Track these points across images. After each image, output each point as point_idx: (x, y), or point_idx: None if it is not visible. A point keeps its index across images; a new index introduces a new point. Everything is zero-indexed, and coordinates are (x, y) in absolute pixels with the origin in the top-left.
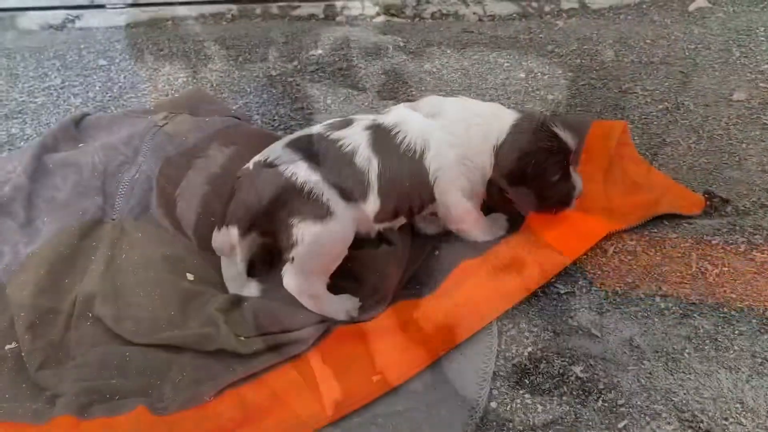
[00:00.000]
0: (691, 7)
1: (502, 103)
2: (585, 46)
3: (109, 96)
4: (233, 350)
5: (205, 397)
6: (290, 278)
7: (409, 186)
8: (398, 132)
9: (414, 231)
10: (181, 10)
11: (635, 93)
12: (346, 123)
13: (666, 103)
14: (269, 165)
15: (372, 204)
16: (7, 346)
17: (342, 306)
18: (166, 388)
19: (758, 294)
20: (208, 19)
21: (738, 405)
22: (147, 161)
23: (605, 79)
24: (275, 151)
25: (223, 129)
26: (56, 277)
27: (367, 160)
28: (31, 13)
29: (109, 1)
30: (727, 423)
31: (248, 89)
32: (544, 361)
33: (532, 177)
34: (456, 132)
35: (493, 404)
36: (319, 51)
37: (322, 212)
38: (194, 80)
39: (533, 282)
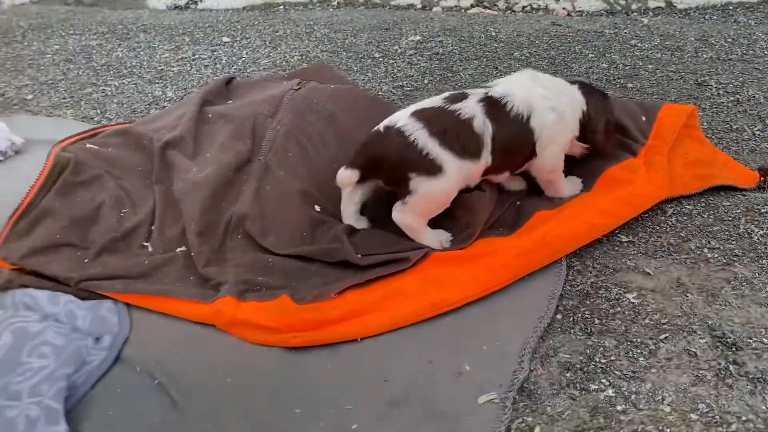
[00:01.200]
0: None
1: None
2: (666, 42)
3: (235, 68)
4: (353, 261)
5: (331, 293)
6: (399, 214)
7: (517, 145)
8: (507, 101)
9: (500, 188)
10: None
11: (710, 86)
12: (462, 97)
13: (737, 96)
14: (397, 130)
15: (484, 161)
16: (178, 249)
17: (437, 238)
18: (301, 286)
19: None
20: (317, 6)
21: (762, 330)
22: (285, 117)
23: (682, 73)
24: (402, 119)
25: (347, 95)
26: (217, 200)
27: (483, 125)
28: None
29: None
30: (750, 341)
31: (355, 68)
32: (603, 289)
33: (607, 129)
34: (553, 98)
35: (559, 316)
36: (418, 37)
37: (435, 171)
38: (307, 59)
39: (600, 230)
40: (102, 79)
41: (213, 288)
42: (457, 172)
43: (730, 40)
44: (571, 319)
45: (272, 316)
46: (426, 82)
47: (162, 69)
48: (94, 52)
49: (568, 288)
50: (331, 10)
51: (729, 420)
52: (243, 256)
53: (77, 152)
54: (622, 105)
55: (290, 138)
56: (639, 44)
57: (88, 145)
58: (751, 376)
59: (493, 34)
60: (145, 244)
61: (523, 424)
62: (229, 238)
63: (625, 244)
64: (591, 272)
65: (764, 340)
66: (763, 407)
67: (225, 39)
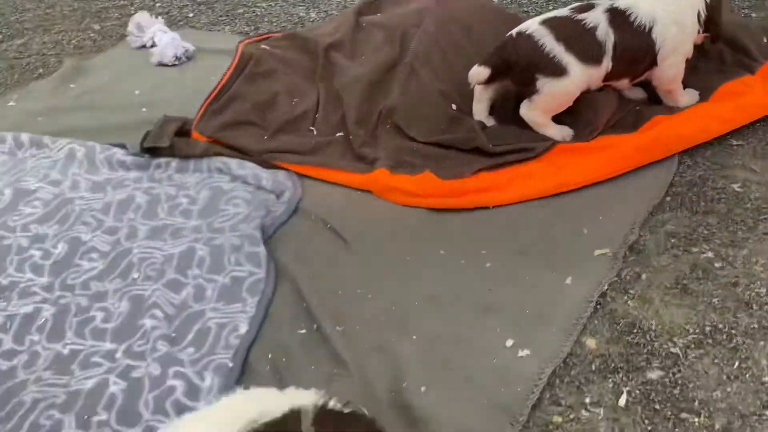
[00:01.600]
0: None
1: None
2: None
3: None
4: (486, 149)
5: (466, 174)
6: (526, 110)
7: (638, 53)
8: (631, 13)
9: (621, 96)
10: None
11: None
12: (588, 7)
13: None
14: (527, 35)
15: (605, 67)
16: (338, 134)
17: (560, 132)
18: (440, 166)
19: None
20: None
21: None
22: (429, 26)
23: None
24: (532, 26)
25: (483, 8)
26: (371, 94)
27: (605, 33)
28: None
29: None
30: None
31: None
32: (711, 180)
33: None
34: (674, 11)
35: (668, 198)
36: None
37: (560, 73)
38: None
39: (712, 132)
40: (251, 1)
41: (369, 163)
42: (579, 75)
43: None
44: (678, 200)
45: (418, 184)
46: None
47: None
48: None
49: (678, 178)
50: None
51: None
52: (392, 141)
53: (255, 50)
54: (746, 26)
55: (433, 45)
56: None
57: (262, 46)
58: None
59: None
60: (311, 128)
61: (632, 272)
62: (380, 126)
63: (735, 146)
64: (701, 167)
65: None
66: None
67: None
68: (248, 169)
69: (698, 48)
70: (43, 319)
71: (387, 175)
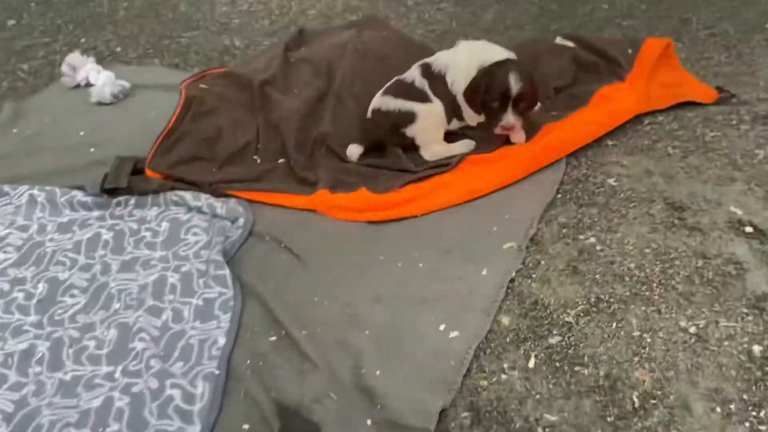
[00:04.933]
0: None
1: (587, 30)
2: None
3: (288, 18)
4: (410, 169)
5: (396, 187)
6: (425, 153)
7: (444, 94)
8: (433, 64)
9: None
10: None
11: (692, 21)
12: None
13: (713, 30)
14: (377, 109)
15: (438, 104)
16: (280, 160)
17: (464, 146)
18: (373, 183)
19: (734, 145)
20: None
21: (701, 198)
22: (351, 59)
23: (670, 11)
24: (376, 100)
25: (396, 41)
26: (306, 122)
27: (421, 83)
28: None
29: None
30: (692, 205)
31: (392, 15)
32: (592, 177)
33: (479, 98)
34: (462, 60)
35: (559, 195)
36: None
37: (412, 116)
38: (350, 8)
39: (592, 136)
40: (175, 32)
41: (310, 185)
42: (426, 110)
43: None
44: (567, 197)
45: (357, 201)
46: (454, 25)
47: (224, 22)
48: (160, 8)
49: (566, 177)
50: None
51: (670, 252)
52: (328, 164)
53: (195, 90)
54: (614, 42)
55: (355, 75)
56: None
57: (201, 86)
58: (688, 226)
59: None
60: (255, 157)
61: (533, 260)
62: (317, 151)
63: (610, 146)
64: (584, 166)
65: (701, 204)
66: (693, 243)
67: None
68: (202, 200)
69: (577, 61)
70: (40, 354)
71: (328, 195)
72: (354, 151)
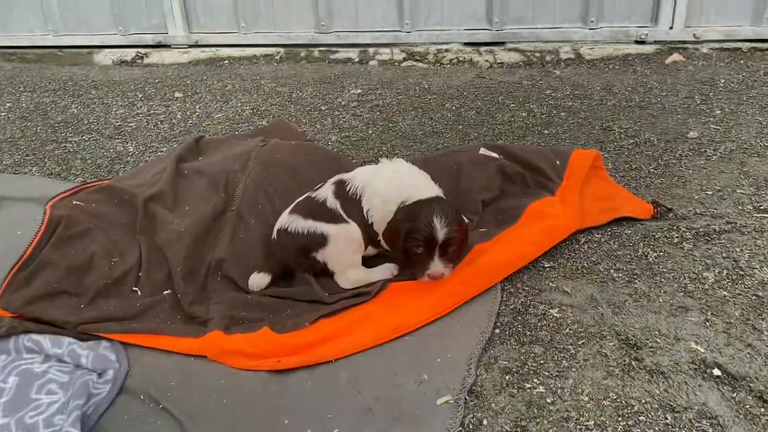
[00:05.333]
0: (668, 60)
1: (507, 138)
2: (576, 92)
3: (190, 123)
4: (323, 300)
5: (306, 323)
6: (339, 280)
7: (360, 218)
8: (349, 183)
9: None
10: (235, 52)
11: (613, 130)
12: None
13: (636, 139)
14: (284, 230)
15: (353, 226)
16: (165, 292)
17: (386, 271)
18: (278, 318)
19: (681, 267)
20: (260, 60)
21: (657, 332)
22: (254, 171)
23: (591, 119)
24: (283, 218)
25: (306, 149)
26: (198, 246)
27: (333, 204)
28: (106, 50)
29: (174, 42)
30: (648, 341)
31: (304, 120)
32: (532, 307)
33: (400, 243)
34: (381, 189)
35: (497, 330)
36: (359, 90)
37: (324, 240)
38: (259, 112)
39: (527, 258)
40: (62, 136)
41: (201, 324)
42: (338, 231)
43: (629, 88)
44: (507, 332)
45: (256, 344)
46: (370, 132)
47: (119, 125)
48: (48, 108)
49: (503, 307)
50: (275, 64)
51: (632, 403)
52: (224, 295)
53: (66, 209)
54: (540, 152)
55: (259, 189)
56: (553, 94)
57: (74, 202)
58: (648, 369)
59: (426, 86)
60: (134, 288)
61: (474, 419)
62: (210, 280)
63: (548, 268)
64: (521, 293)
65: (658, 340)
66: (658, 391)
67: (177, 94)
68: (64, 345)
69: (503, 172)
70: None
71: (222, 337)
72: (257, 280)
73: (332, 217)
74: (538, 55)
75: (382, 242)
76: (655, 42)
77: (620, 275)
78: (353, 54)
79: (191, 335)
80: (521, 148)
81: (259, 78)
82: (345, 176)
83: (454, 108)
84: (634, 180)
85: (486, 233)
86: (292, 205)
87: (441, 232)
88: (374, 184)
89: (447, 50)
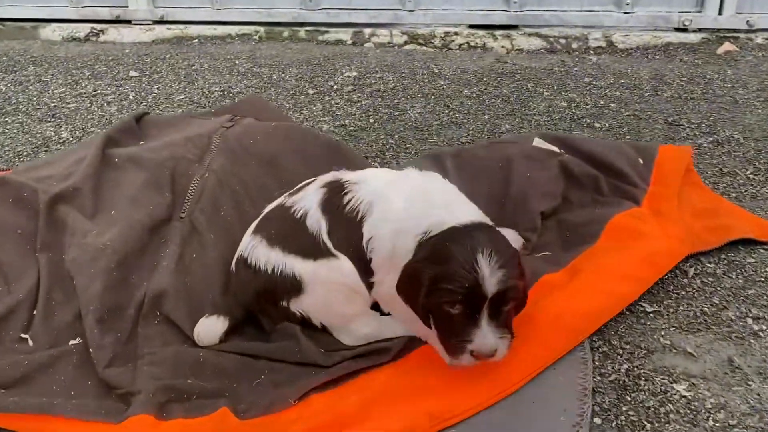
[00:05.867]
0: (719, 51)
1: (547, 128)
2: (622, 81)
3: (144, 105)
4: (315, 361)
5: (290, 400)
6: (342, 337)
7: (355, 249)
8: (349, 191)
9: None
10: (206, 30)
11: (682, 125)
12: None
13: (715, 136)
14: (244, 259)
15: (343, 262)
16: (72, 342)
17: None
18: (245, 391)
19: None
20: (236, 39)
21: None
22: (215, 161)
23: (649, 112)
24: (245, 241)
25: (292, 134)
26: (125, 272)
27: (317, 223)
28: (54, 25)
29: (135, 17)
30: None
31: (287, 105)
32: (643, 378)
33: (422, 298)
34: (398, 212)
35: (597, 420)
36: (354, 73)
37: (297, 288)
38: (230, 95)
39: (626, 299)
40: None
41: (121, 399)
42: (316, 275)
43: (684, 79)
44: (614, 423)
45: None
46: (371, 121)
47: (55, 106)
48: None
49: (598, 378)
50: (253, 43)
51: None
52: (162, 351)
53: None
54: (616, 146)
55: (223, 189)
56: (594, 82)
57: None
58: None
59: (436, 70)
60: (23, 336)
61: None
62: (141, 326)
63: (651, 315)
64: (621, 355)
65: None
66: None
67: (133, 73)
68: None
69: (567, 173)
70: None
71: (153, 426)
72: (209, 328)
73: (310, 248)
74: (563, 42)
75: (380, 294)
76: (700, 30)
77: (764, 327)
78: (345, 35)
79: (106, 419)
80: (590, 141)
81: (234, 57)
82: (345, 176)
83: (474, 95)
84: (732, 188)
85: (552, 259)
86: (259, 218)
87: (491, 280)
88: (388, 201)
89: (456, 33)
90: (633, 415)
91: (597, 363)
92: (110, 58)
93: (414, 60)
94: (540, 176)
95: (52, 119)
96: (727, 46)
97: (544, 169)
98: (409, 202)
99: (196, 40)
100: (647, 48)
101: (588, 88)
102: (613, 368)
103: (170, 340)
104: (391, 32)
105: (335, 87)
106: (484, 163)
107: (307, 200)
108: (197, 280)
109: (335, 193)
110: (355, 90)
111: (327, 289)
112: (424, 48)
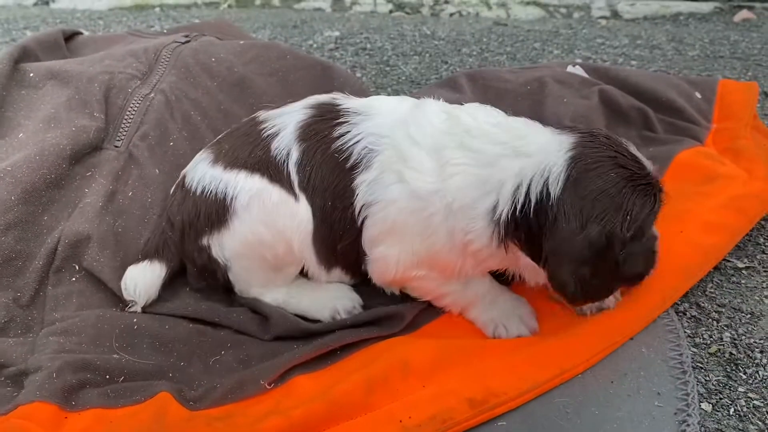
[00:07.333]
0: (736, 18)
1: None
2: (638, 41)
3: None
4: (302, 333)
5: (261, 381)
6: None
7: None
8: (342, 116)
9: None
10: None
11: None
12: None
13: (762, 89)
14: (180, 184)
15: (302, 204)
16: None
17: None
18: (196, 369)
19: None
20: (202, 7)
21: None
22: (165, 79)
23: (678, 68)
24: (195, 160)
25: (265, 52)
26: (32, 209)
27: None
28: None
29: None
30: None
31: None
32: (757, 349)
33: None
34: (426, 150)
35: (705, 406)
36: (336, 33)
37: (223, 216)
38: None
39: (717, 252)
40: None
41: (13, 381)
42: (253, 197)
43: (707, 41)
44: (731, 410)
45: (140, 427)
46: (359, 75)
47: None
48: None
49: (694, 350)
50: (222, 9)
51: None
52: (79, 316)
53: None
54: (667, 79)
55: (174, 114)
56: (608, 42)
57: None
58: None
59: (428, 32)
60: None
61: None
62: (52, 282)
63: (743, 272)
64: (718, 321)
65: None
66: None
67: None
68: None
69: (610, 105)
70: None
71: (52, 418)
72: (140, 278)
73: (264, 167)
74: (563, 11)
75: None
76: None
77: None
78: (324, 3)
79: None
80: (636, 73)
81: (199, 21)
82: (344, 102)
83: (474, 53)
84: None
85: None
86: (221, 135)
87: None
88: (405, 158)
89: (446, 2)
90: (756, 399)
91: (688, 331)
92: (58, 21)
93: (402, 24)
94: (579, 103)
95: None
96: (744, 13)
97: (581, 97)
98: (448, 156)
99: (158, 8)
100: (656, 18)
101: (602, 47)
102: (711, 337)
103: (91, 302)
104: (375, 0)
105: (314, 45)
106: (510, 85)
107: (284, 118)
108: (132, 225)
109: (324, 119)
110: (338, 48)
111: (258, 233)
112: (412, 16)
